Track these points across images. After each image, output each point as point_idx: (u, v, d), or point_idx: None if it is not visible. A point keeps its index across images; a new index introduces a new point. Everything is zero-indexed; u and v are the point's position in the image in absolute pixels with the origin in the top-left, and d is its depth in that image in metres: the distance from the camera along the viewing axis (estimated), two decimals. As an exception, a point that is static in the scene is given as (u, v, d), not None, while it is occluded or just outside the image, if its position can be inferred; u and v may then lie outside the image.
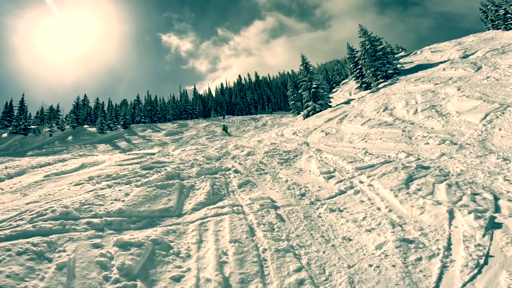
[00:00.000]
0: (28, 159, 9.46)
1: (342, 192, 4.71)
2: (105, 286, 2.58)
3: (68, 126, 36.33)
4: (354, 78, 30.70)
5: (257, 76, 69.06)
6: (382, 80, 23.39)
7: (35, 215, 3.66)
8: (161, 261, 3.03)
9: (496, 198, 3.61)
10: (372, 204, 4.14)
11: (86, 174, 6.64)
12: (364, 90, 27.29)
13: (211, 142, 19.83)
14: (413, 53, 32.70)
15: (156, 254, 3.12)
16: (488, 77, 10.91)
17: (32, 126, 34.38)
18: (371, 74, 24.89)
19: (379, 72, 24.27)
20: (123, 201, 4.40)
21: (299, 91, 28.43)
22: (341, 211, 4.10)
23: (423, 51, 29.72)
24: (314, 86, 25.24)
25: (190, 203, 4.59)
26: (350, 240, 3.34)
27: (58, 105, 43.01)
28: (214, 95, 62.59)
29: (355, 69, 30.04)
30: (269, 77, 71.44)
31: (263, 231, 3.59)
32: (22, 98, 38.16)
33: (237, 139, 18.27)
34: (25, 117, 34.63)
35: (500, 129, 6.24)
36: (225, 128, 25.47)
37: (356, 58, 29.75)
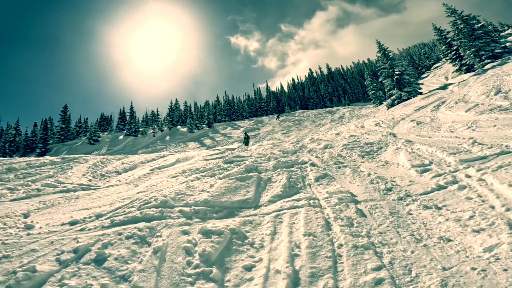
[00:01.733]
0: (138, 156, 11.52)
1: (441, 187, 4.00)
2: (187, 271, 2.77)
3: (165, 128, 42.76)
4: (450, 60, 26.07)
5: (329, 68, 65.92)
6: (489, 60, 19.27)
7: (142, 203, 4.32)
8: (236, 250, 3.16)
9: None
10: (483, 201, 3.38)
11: (180, 168, 7.62)
12: (465, 73, 22.95)
13: (286, 137, 19.94)
14: None
15: (232, 243, 3.27)
16: None
17: (140, 129, 41.89)
18: (472, 55, 20.78)
19: (483, 52, 20.07)
20: (208, 192, 4.81)
21: (379, 80, 25.81)
22: (439, 208, 3.49)
23: None
24: (397, 72, 22.54)
25: (266, 195, 4.70)
26: (449, 240, 2.82)
27: (157, 110, 51.17)
28: (286, 90, 62.78)
29: (449, 51, 25.52)
30: (342, 68, 67.23)
31: (341, 225, 3.36)
32: (131, 106, 46.93)
33: (312, 133, 17.81)
34: (134, 122, 42.49)
35: None
36: (246, 139, 16.99)
37: (448, 39, 25.37)
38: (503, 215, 2.98)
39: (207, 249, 3.03)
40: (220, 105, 53.61)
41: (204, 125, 42.38)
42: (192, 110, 52.68)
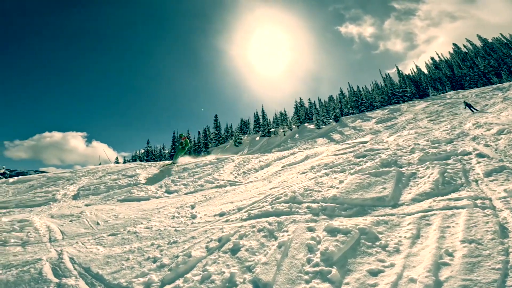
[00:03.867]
0: (272, 154, 12.62)
1: None
2: (305, 268, 2.70)
3: (294, 126, 44.92)
4: None
5: (483, 40, 48.61)
6: None
7: (274, 198, 4.58)
8: (363, 252, 2.82)
9: None
10: None
11: (309, 164, 7.71)
12: None
13: (435, 125, 16.30)
14: None
15: (360, 243, 2.94)
16: None
17: (272, 129, 46.03)
18: None
19: None
20: (337, 188, 4.56)
21: None
22: None
23: None
24: None
25: (409, 193, 3.97)
26: None
27: (284, 110, 54.58)
28: (426, 72, 51.32)
29: None
30: (504, 37, 47.63)
31: None
32: (262, 109, 52.26)
33: (475, 116, 13.65)
34: (267, 123, 47.13)
35: None
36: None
37: None
38: None
39: (330, 247, 2.87)
40: (346, 98, 50.64)
41: (331, 120, 41.36)
42: (317, 106, 52.61)
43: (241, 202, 4.97)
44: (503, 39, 48.61)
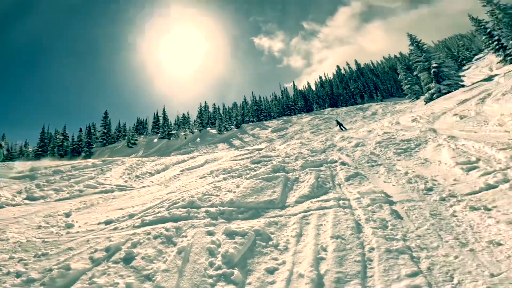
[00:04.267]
0: (170, 158, 12.00)
1: (490, 187, 3.56)
2: (209, 272, 2.74)
3: (196, 130, 44.21)
4: (493, 51, 24.11)
5: (358, 64, 63.33)
6: None
7: (171, 203, 4.42)
8: (259, 252, 3.07)
9: None
10: None
11: (209, 168, 7.76)
12: (510, 63, 20.98)
13: (315, 136, 19.46)
14: None
15: (256, 244, 3.18)
16: None
17: (173, 132, 43.77)
18: None
19: None
20: (234, 192, 4.79)
21: (415, 74, 24.59)
22: (489, 209, 3.10)
23: None
24: (434, 65, 21.20)
25: (293, 196, 4.56)
26: (499, 245, 2.49)
27: (188, 113, 53.10)
28: (314, 88, 61.49)
29: (490, 42, 23.80)
30: (372, 64, 64.15)
31: (373, 228, 3.12)
32: (164, 110, 49.22)
33: (343, 132, 17.16)
34: (167, 125, 44.54)
35: None
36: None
37: (489, 29, 23.74)
38: None
39: (230, 250, 2.99)
40: (248, 106, 54.11)
41: (232, 126, 43.05)
42: (221, 112, 53.84)
43: (132, 209, 4.55)
44: (371, 65, 63.47)
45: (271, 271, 2.73)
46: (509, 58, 21.74)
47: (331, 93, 57.96)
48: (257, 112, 50.78)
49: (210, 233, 3.43)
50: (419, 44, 22.85)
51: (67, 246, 3.18)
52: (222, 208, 4.13)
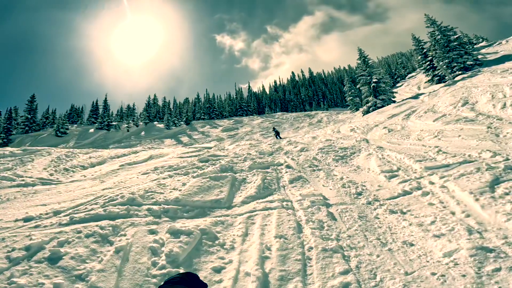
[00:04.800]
0: (108, 151, 10.96)
1: (406, 193, 4.17)
2: (152, 271, 2.66)
3: (141, 123, 41.21)
4: (424, 71, 27.78)
5: (311, 72, 67.42)
6: (460, 72, 20.46)
7: (107, 200, 4.10)
8: (206, 251, 3.08)
9: None
10: (444, 207, 3.55)
11: (153, 164, 7.34)
12: (436, 83, 24.47)
13: (265, 138, 20.01)
14: (497, 43, 27.92)
15: (202, 243, 3.18)
16: None
17: (114, 123, 40.02)
18: (444, 66, 22.07)
19: (455, 64, 21.30)
20: (180, 190, 4.67)
21: (357, 86, 27.04)
22: (404, 213, 3.62)
23: (509, 41, 24.93)
24: (374, 80, 23.70)
25: (240, 196, 4.65)
26: (412, 245, 2.92)
27: (133, 104, 49.25)
28: (268, 92, 63.24)
29: (424, 62, 27.23)
30: (323, 73, 69.15)
31: (312, 228, 3.38)
32: (105, 99, 44.83)
33: (290, 135, 18.02)
34: (108, 115, 40.57)
35: None
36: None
37: (425, 50, 26.95)
38: (462, 221, 3.14)
39: (174, 249, 2.93)
40: (200, 103, 52.82)
41: (182, 122, 41.42)
42: (171, 106, 51.39)
43: (59, 205, 4.07)
44: (322, 74, 67.56)
45: (217, 270, 2.77)
46: (436, 78, 24.94)
47: (283, 98, 60.36)
48: (209, 110, 49.88)
49: (153, 232, 3.31)
50: (366, 59, 25.08)
51: (-22, 245, 2.71)
52: (166, 206, 4.00)
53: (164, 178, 5.60)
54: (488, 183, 3.77)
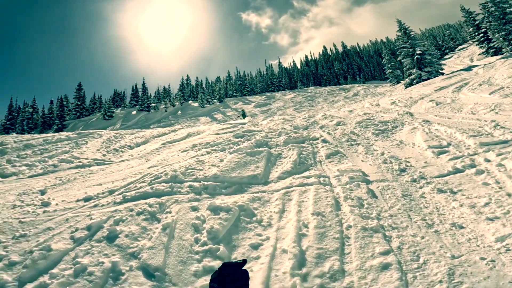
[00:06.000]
0: (150, 130, 11.64)
1: (458, 171, 3.85)
2: (194, 248, 2.77)
3: (177, 103, 42.83)
4: (477, 43, 25.12)
5: (344, 46, 63.36)
6: None
7: (153, 178, 4.32)
8: (244, 228, 3.13)
9: None
10: (500, 188, 3.22)
11: (191, 142, 7.65)
12: (492, 55, 22.07)
13: (298, 113, 19.62)
14: None
15: (240, 220, 3.23)
16: None
17: (153, 104, 42.16)
18: (501, 39, 20.03)
19: None
20: (218, 166, 4.77)
21: (398, 59, 25.22)
22: (455, 193, 3.36)
23: None
24: (418, 52, 21.89)
25: (276, 171, 4.64)
26: (461, 227, 2.72)
27: (169, 86, 51.22)
28: (299, 67, 61.09)
29: (476, 33, 24.73)
30: (358, 46, 64.40)
31: (351, 206, 3.28)
32: (143, 82, 47.04)
33: (325, 109, 17.41)
34: (147, 97, 42.74)
35: None
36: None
37: (477, 22, 24.62)
38: None
39: (215, 226, 3.01)
40: (232, 81, 53.05)
41: (215, 100, 42.19)
42: (204, 85, 52.35)
43: (112, 184, 4.41)
44: (357, 47, 63.58)
45: (255, 247, 2.81)
46: (491, 50, 22.71)
47: (316, 72, 57.95)
48: (240, 87, 49.92)
49: (195, 209, 3.43)
50: (407, 31, 23.28)
51: (46, 226, 3.06)
52: (206, 183, 4.13)
53: (202, 155, 5.79)
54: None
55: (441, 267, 2.24)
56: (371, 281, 2.23)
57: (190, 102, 44.00)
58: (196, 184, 4.09)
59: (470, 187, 3.40)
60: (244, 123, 11.14)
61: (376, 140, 5.94)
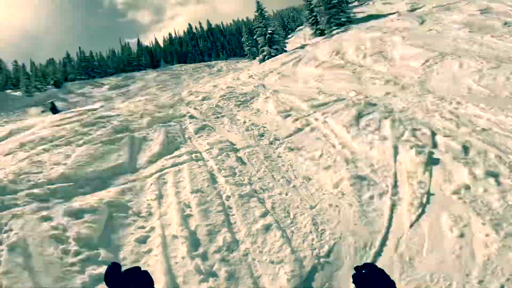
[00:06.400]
0: None
1: (299, 130, 4.77)
2: (68, 260, 2.32)
3: (-17, 91, 30.46)
4: (309, 25, 31.24)
5: (209, 24, 64.30)
6: (336, 27, 23.88)
7: None
8: (121, 224, 2.81)
9: (434, 134, 3.65)
10: (327, 140, 4.18)
11: (17, 141, 5.75)
12: (318, 36, 28.12)
13: (163, 92, 18.54)
14: (366, 3, 33.13)
15: (113, 217, 2.87)
16: (430, 30, 11.23)
17: None
18: (325, 22, 25.64)
19: (333, 20, 24.83)
20: (64, 164, 3.91)
21: (254, 37, 28.46)
22: (299, 149, 4.13)
23: (375, 2, 30.10)
24: (269, 31, 25.48)
25: (144, 156, 4.28)
26: (309, 179, 3.33)
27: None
28: (162, 45, 57.47)
29: (310, 16, 30.61)
30: (222, 25, 67.04)
31: (225, 176, 3.47)
32: None
33: (191, 86, 17.27)
34: None
35: (438, 73, 6.39)
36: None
37: (312, 6, 30.21)
38: (340, 152, 3.76)
39: (82, 231, 2.58)
40: (73, 63, 43.21)
41: (49, 86, 33.24)
42: (28, 70, 39.48)
43: None
44: (221, 26, 64.60)
45: (142, 241, 2.59)
46: (318, 32, 28.63)
47: (180, 50, 56.13)
48: (87, 69, 41.56)
49: (46, 219, 2.77)
50: (263, 12, 26.42)
51: None
52: (52, 187, 3.33)
53: (37, 154, 4.52)
54: (354, 117, 4.64)
55: (306, 218, 2.69)
56: (262, 244, 2.45)
57: (8, 91, 32.57)
58: (37, 190, 3.25)
59: (309, 143, 4.27)
60: (95, 109, 9.34)
61: (238, 111, 6.47)
